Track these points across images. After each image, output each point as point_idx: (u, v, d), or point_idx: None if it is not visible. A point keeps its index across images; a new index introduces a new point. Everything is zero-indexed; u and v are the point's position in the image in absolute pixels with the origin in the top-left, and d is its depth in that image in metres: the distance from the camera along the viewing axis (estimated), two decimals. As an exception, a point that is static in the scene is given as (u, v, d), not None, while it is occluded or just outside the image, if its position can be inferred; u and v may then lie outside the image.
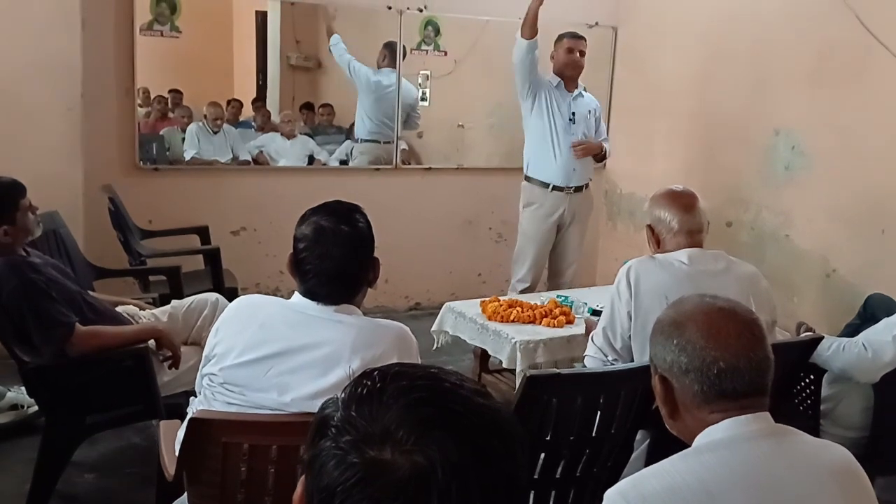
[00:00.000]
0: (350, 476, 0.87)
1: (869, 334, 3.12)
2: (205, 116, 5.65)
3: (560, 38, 5.07)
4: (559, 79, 5.03)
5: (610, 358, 2.80)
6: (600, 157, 5.23)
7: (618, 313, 2.77)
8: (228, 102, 5.93)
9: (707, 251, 2.80)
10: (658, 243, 2.87)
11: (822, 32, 4.73)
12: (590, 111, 5.12)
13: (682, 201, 2.84)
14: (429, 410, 0.90)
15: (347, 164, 5.98)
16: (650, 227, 2.90)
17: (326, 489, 0.88)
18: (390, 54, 5.85)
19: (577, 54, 4.99)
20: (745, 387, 1.50)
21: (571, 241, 5.20)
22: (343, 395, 0.94)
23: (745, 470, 1.43)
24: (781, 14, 4.99)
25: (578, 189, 5.10)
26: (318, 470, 0.90)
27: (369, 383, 0.94)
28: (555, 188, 5.04)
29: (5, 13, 4.35)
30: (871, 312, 3.78)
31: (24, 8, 4.38)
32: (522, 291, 4.99)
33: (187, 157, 5.58)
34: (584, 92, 5.14)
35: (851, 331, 3.66)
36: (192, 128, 5.63)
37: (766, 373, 1.53)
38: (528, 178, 5.14)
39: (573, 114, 5.02)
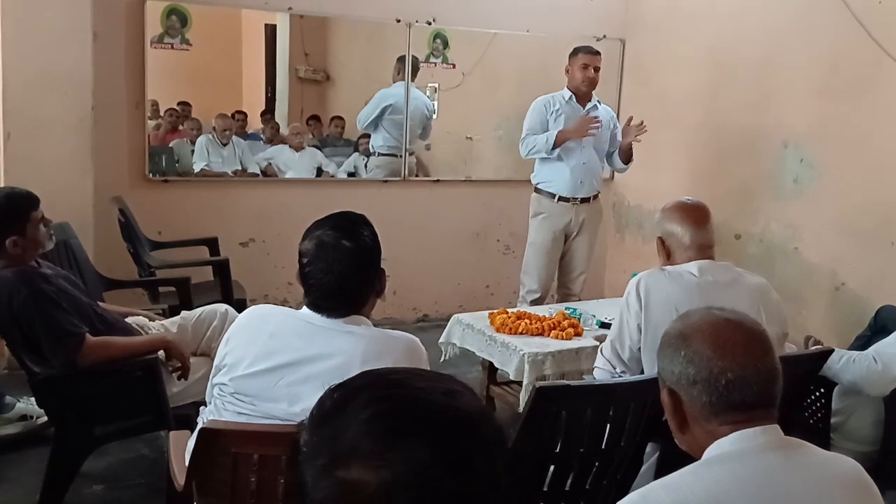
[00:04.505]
0: (325, 498, 0.89)
1: (880, 347, 3.10)
2: (214, 128, 5.68)
3: (575, 52, 5.02)
4: (571, 93, 5.00)
5: (618, 370, 2.80)
6: (628, 157, 5.16)
7: (626, 325, 2.76)
8: (233, 115, 5.95)
9: (717, 263, 2.79)
10: (668, 255, 2.86)
11: (830, 45, 4.73)
12: (602, 124, 5.08)
13: (695, 216, 2.82)
14: (392, 421, 0.90)
15: (355, 176, 6.00)
16: (661, 240, 2.89)
17: None
18: (403, 68, 5.88)
19: (592, 70, 4.94)
20: (754, 398, 1.49)
21: (580, 251, 5.20)
22: (312, 412, 0.95)
23: (756, 483, 1.42)
24: (789, 26, 4.99)
25: (585, 200, 5.10)
26: (304, 491, 0.92)
27: (329, 402, 0.94)
28: (561, 199, 5.05)
29: (17, 26, 4.38)
30: (881, 324, 3.76)
31: (35, 21, 4.41)
32: (533, 302, 5.00)
33: (196, 168, 5.61)
34: (598, 104, 5.11)
35: (862, 343, 3.64)
36: (201, 140, 5.65)
37: (774, 384, 1.52)
38: (536, 189, 5.15)
39: None
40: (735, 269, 2.81)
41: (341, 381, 0.98)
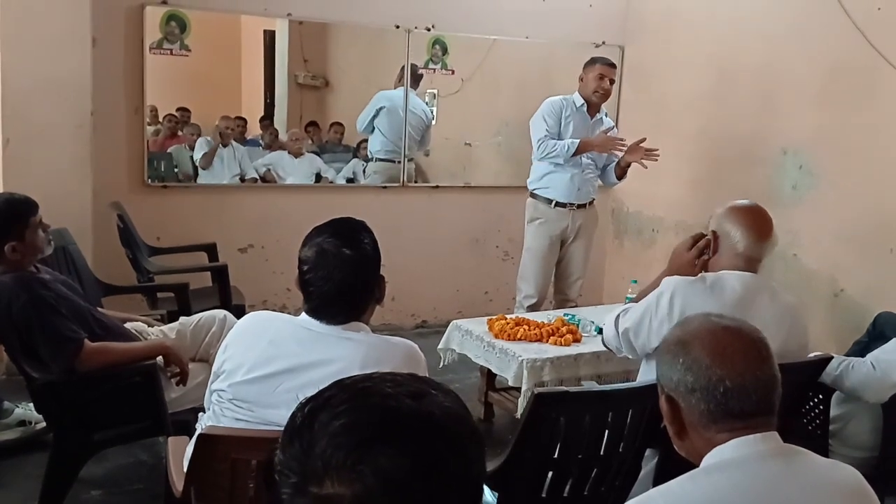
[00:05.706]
0: None
1: (878, 353, 3.10)
2: (216, 126, 5.66)
3: (592, 62, 5.02)
4: (583, 101, 5.00)
5: (624, 348, 2.87)
6: (624, 174, 5.15)
7: (648, 324, 2.74)
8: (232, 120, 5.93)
9: (757, 277, 2.75)
10: (714, 252, 2.81)
11: (829, 52, 4.74)
12: (605, 133, 5.09)
13: (760, 230, 2.75)
14: (360, 432, 0.90)
15: (354, 182, 6.00)
16: (714, 235, 2.82)
17: None
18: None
19: (608, 82, 4.96)
20: (753, 406, 1.48)
21: (576, 256, 5.21)
22: (285, 428, 0.95)
23: (755, 490, 1.42)
24: (789, 33, 5.00)
25: (582, 206, 5.11)
26: None
27: (300, 417, 0.94)
28: (558, 204, 5.06)
29: (16, 31, 4.38)
30: (879, 331, 3.78)
31: (34, 26, 4.41)
32: (530, 307, 5.00)
33: (196, 157, 5.55)
34: (604, 118, 5.16)
35: (860, 349, 3.65)
36: (201, 140, 5.61)
37: (773, 392, 1.51)
38: (532, 195, 5.16)
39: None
40: (770, 284, 2.79)
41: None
